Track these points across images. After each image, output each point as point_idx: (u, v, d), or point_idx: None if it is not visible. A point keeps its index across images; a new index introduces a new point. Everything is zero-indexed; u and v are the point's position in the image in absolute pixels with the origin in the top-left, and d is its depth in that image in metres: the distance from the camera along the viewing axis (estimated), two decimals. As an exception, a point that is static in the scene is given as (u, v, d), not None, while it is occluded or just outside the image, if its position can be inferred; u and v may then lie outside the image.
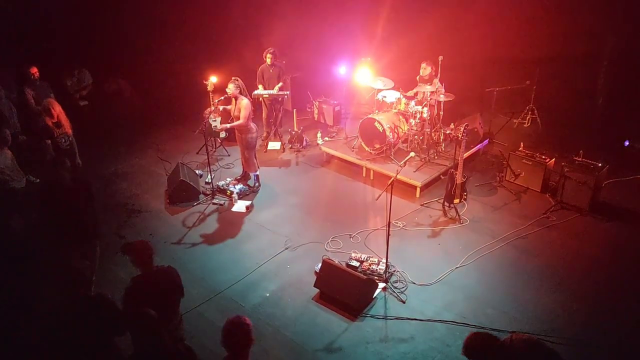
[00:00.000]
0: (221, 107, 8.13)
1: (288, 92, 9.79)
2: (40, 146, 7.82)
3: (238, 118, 7.87)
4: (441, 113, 8.82)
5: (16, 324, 5.49)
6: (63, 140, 7.38)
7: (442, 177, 8.30)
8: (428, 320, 5.83)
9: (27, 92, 8.43)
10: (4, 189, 6.80)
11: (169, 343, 3.58)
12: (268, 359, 5.33)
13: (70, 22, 10.38)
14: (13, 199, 6.92)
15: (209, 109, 8.10)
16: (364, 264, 6.54)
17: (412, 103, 8.66)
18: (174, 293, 4.50)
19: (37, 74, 8.43)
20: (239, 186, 8.41)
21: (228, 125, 7.99)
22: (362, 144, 8.93)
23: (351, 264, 6.54)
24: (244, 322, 3.41)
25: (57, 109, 7.27)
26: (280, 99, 9.68)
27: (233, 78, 7.86)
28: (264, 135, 9.96)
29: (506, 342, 3.68)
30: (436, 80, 8.83)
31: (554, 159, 8.23)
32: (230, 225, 7.62)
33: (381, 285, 6.28)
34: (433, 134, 8.78)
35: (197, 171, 8.85)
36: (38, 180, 7.98)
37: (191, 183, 8.14)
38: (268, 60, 9.40)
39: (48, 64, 9.17)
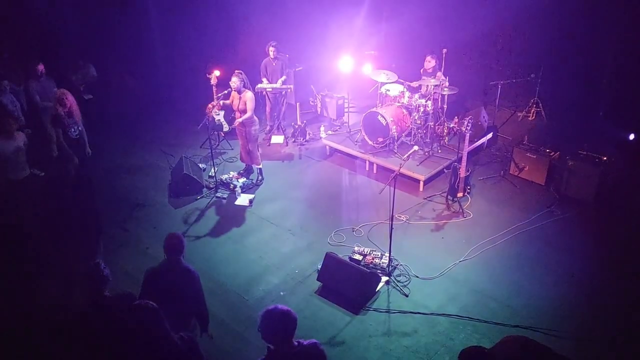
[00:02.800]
0: (222, 102, 8.12)
1: (291, 86, 9.76)
2: (44, 140, 7.85)
3: (243, 111, 7.85)
4: (445, 106, 8.79)
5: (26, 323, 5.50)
6: (73, 130, 7.43)
7: (446, 171, 8.28)
8: (431, 314, 5.83)
9: (31, 88, 8.46)
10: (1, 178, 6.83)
11: (171, 335, 3.58)
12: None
13: (74, 15, 10.37)
14: (11, 190, 6.94)
15: (212, 104, 8.09)
16: (367, 257, 6.54)
17: (416, 96, 8.63)
18: (182, 294, 4.44)
19: (43, 71, 8.46)
20: (242, 180, 8.41)
21: (239, 121, 7.89)
22: (365, 137, 8.91)
23: (354, 257, 6.54)
24: (280, 309, 3.36)
25: (70, 99, 7.33)
26: (283, 92, 9.67)
27: (237, 71, 7.85)
28: (267, 128, 9.95)
29: (495, 349, 3.63)
30: (440, 74, 8.79)
31: (558, 153, 8.20)
32: (234, 218, 7.63)
33: (384, 278, 6.29)
34: (437, 128, 8.75)
35: (200, 165, 8.86)
36: (43, 174, 8.01)
37: (194, 176, 8.15)
38: (271, 54, 9.38)
39: (53, 58, 9.19)
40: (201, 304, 4.64)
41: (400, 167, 6.42)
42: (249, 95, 7.81)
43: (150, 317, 3.48)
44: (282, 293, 6.18)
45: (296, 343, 3.37)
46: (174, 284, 4.35)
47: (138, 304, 3.56)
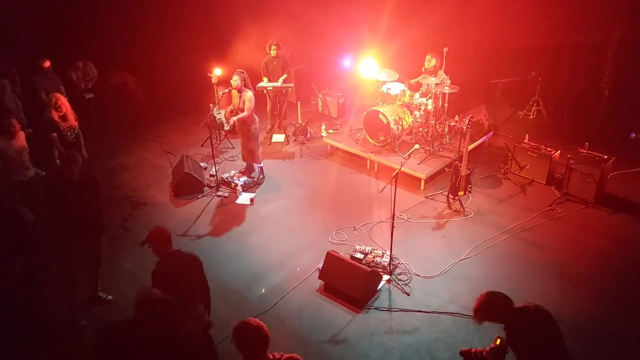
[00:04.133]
0: (230, 108, 8.13)
1: (292, 84, 9.77)
2: (47, 139, 7.85)
3: (243, 110, 7.87)
4: (446, 105, 8.80)
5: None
6: (69, 134, 7.43)
7: (447, 170, 8.27)
8: (432, 312, 5.84)
9: (36, 84, 8.48)
10: (6, 180, 6.83)
11: (187, 327, 3.58)
12: (273, 351, 5.35)
13: (74, 14, 10.37)
14: (16, 191, 6.94)
15: (214, 105, 8.09)
16: (368, 256, 6.55)
17: (417, 95, 8.63)
18: (194, 279, 4.56)
19: (49, 67, 8.49)
20: (243, 178, 8.42)
21: (235, 118, 7.97)
22: (367, 136, 8.92)
23: (355, 256, 6.55)
24: (253, 324, 3.32)
25: (64, 103, 7.32)
26: (284, 91, 9.67)
27: (238, 70, 7.85)
28: (268, 127, 9.95)
29: (524, 307, 3.64)
30: (441, 72, 8.79)
31: (559, 151, 8.20)
32: (235, 217, 7.64)
33: (385, 277, 6.29)
34: (438, 126, 8.76)
35: (201, 163, 8.86)
36: (44, 173, 8.01)
37: (195, 175, 8.16)
38: (272, 52, 9.38)
39: (54, 56, 9.19)
40: (207, 288, 4.79)
41: (401, 166, 6.42)
42: (248, 95, 7.81)
43: (161, 308, 3.48)
44: (284, 295, 6.16)
45: (271, 356, 3.35)
46: (180, 270, 4.45)
47: (145, 297, 3.54)
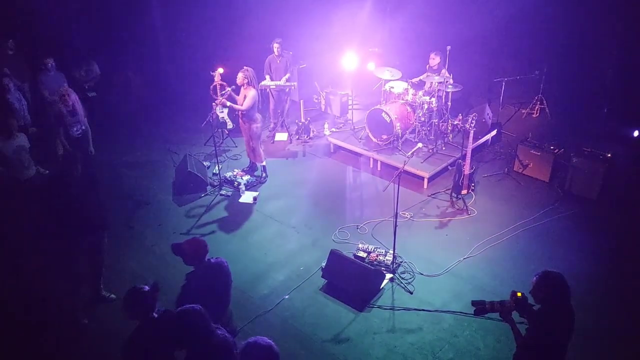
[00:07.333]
0: (229, 103, 8.12)
1: (295, 83, 9.76)
2: (50, 138, 7.88)
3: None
4: (449, 103, 8.78)
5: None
6: (75, 129, 7.45)
7: (450, 168, 8.27)
8: (436, 311, 5.84)
9: (40, 83, 8.52)
10: (6, 178, 6.84)
11: (217, 331, 3.64)
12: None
13: (78, 13, 10.40)
14: (15, 189, 6.95)
15: (218, 101, 8.09)
16: (371, 254, 6.55)
17: (420, 93, 8.62)
18: (226, 285, 4.66)
19: (52, 65, 8.54)
20: (247, 177, 8.43)
21: (228, 103, 7.87)
22: (369, 134, 8.91)
23: (358, 254, 6.56)
24: (262, 344, 3.19)
25: (72, 97, 7.35)
26: (287, 89, 9.66)
27: (244, 67, 7.86)
28: (271, 126, 9.95)
29: None
30: (444, 71, 8.78)
31: (562, 149, 8.18)
32: (238, 216, 7.65)
33: (388, 276, 6.29)
34: (441, 125, 8.74)
35: (204, 162, 8.87)
36: (47, 172, 8.04)
37: (199, 174, 8.16)
38: (275, 51, 9.37)
39: (58, 55, 9.21)
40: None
41: (404, 165, 6.42)
42: (250, 93, 7.80)
43: (199, 319, 3.53)
44: (286, 296, 6.15)
45: None
46: (213, 281, 4.58)
47: (186, 309, 3.58)
